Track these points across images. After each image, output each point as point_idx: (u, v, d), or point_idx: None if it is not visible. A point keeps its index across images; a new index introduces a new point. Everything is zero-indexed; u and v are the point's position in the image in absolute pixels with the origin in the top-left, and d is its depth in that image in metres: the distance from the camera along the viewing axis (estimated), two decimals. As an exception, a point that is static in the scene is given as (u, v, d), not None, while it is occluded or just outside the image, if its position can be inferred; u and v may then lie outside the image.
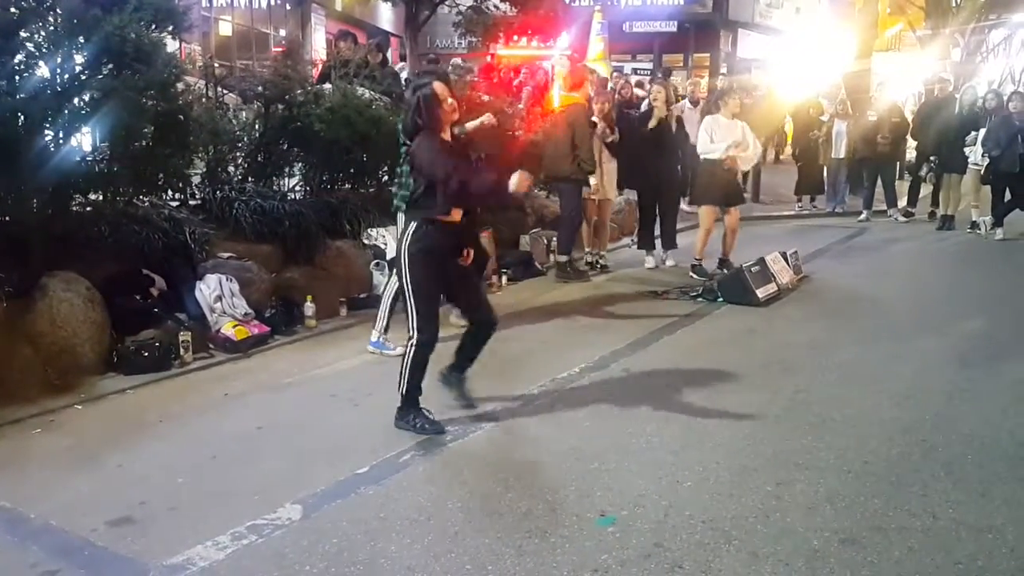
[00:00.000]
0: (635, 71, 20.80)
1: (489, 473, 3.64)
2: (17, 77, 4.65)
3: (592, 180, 7.53)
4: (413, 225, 3.97)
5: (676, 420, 4.24)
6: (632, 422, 4.21)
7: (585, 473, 3.61)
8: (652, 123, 7.83)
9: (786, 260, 7.48)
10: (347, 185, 7.40)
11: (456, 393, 4.37)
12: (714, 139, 7.53)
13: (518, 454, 3.87)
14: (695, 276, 7.59)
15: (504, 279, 7.50)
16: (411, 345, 4.00)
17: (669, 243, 8.30)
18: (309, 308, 6.02)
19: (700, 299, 6.88)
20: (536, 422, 4.26)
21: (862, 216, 11.49)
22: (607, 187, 8.07)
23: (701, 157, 7.67)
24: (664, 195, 8.17)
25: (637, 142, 7.96)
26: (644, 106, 8.46)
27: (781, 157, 16.27)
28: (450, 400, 4.35)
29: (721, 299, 6.79)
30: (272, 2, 17.97)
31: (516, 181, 3.87)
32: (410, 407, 4.08)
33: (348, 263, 6.66)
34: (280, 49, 11.85)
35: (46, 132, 4.86)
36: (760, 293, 6.74)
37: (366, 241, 6.86)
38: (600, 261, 8.29)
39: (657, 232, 8.37)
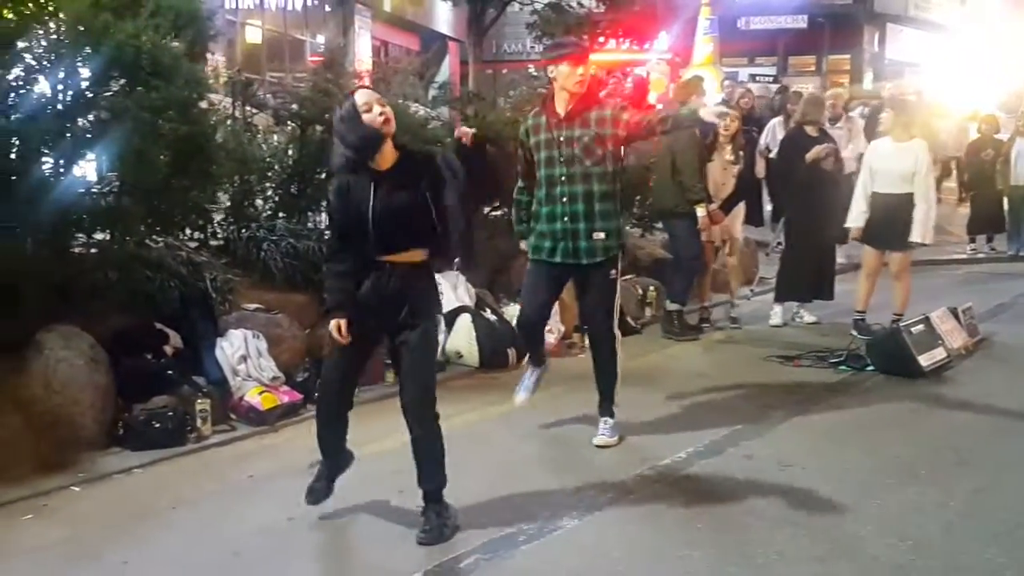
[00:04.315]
0: (753, 78, 20.75)
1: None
2: (12, 95, 4.86)
3: (699, 212, 7.55)
4: None
5: (814, 526, 4.14)
6: (754, 527, 4.13)
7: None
8: (813, 155, 7.79)
9: (957, 318, 7.35)
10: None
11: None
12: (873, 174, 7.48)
13: (609, 567, 3.83)
14: (858, 335, 7.46)
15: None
16: None
17: (826, 293, 8.26)
18: (350, 372, 6.11)
19: (844, 367, 6.78)
20: (631, 519, 4.22)
21: (1056, 261, 11.21)
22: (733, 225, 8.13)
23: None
24: (819, 233, 8.09)
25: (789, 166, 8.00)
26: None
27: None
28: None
29: (871, 367, 6.69)
30: (308, 3, 18.66)
31: None
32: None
33: (398, 316, 6.76)
34: (318, 59, 12.24)
35: (44, 159, 5.08)
36: (923, 360, 6.60)
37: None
38: (731, 314, 8.43)
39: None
